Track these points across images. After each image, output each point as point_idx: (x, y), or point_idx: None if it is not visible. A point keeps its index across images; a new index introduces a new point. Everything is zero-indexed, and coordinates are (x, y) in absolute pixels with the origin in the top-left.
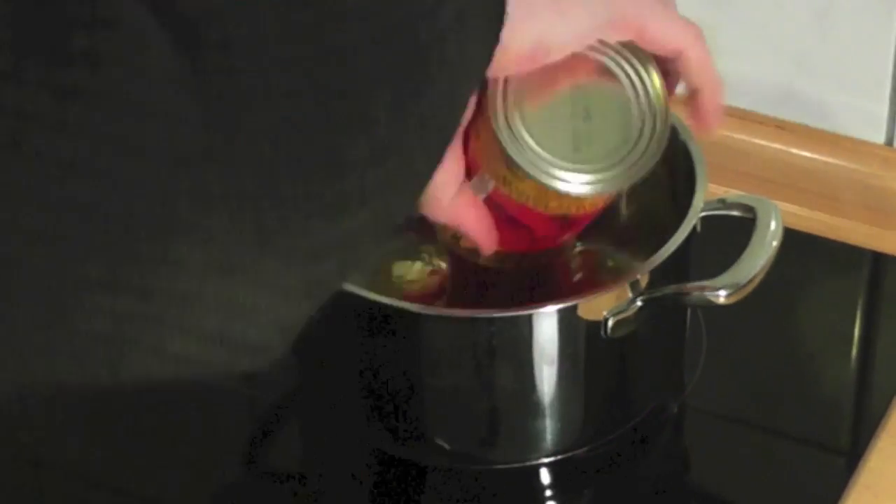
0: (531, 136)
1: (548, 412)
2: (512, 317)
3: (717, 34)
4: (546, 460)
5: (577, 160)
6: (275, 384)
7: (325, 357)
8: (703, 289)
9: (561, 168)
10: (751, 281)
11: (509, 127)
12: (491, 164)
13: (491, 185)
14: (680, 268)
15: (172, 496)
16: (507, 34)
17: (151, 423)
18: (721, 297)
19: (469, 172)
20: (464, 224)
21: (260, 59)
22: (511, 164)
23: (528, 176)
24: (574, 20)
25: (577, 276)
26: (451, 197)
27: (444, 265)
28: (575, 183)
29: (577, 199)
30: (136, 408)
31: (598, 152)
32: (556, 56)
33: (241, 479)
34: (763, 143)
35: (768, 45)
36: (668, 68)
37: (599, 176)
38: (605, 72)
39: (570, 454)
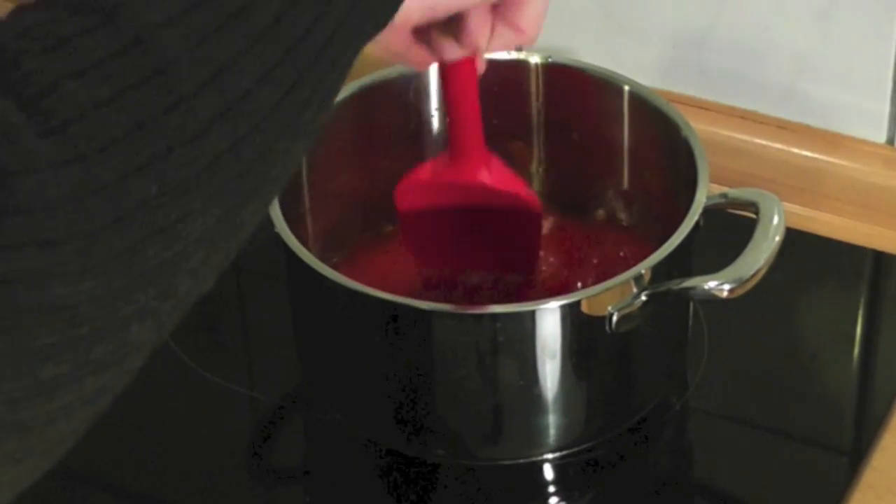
0: None
1: (552, 408)
2: (516, 313)
3: (718, 34)
4: (550, 456)
5: None
6: (276, 383)
7: (327, 355)
8: (706, 283)
9: None
10: (754, 275)
11: None
12: None
13: None
14: (684, 262)
15: (173, 496)
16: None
17: (151, 423)
18: (725, 291)
19: None
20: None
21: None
22: None
23: None
24: None
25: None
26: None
27: None
28: None
29: None
30: (135, 407)
31: None
32: None
33: (243, 479)
34: (764, 142)
35: (768, 45)
36: None
37: None
38: None
39: (573, 450)
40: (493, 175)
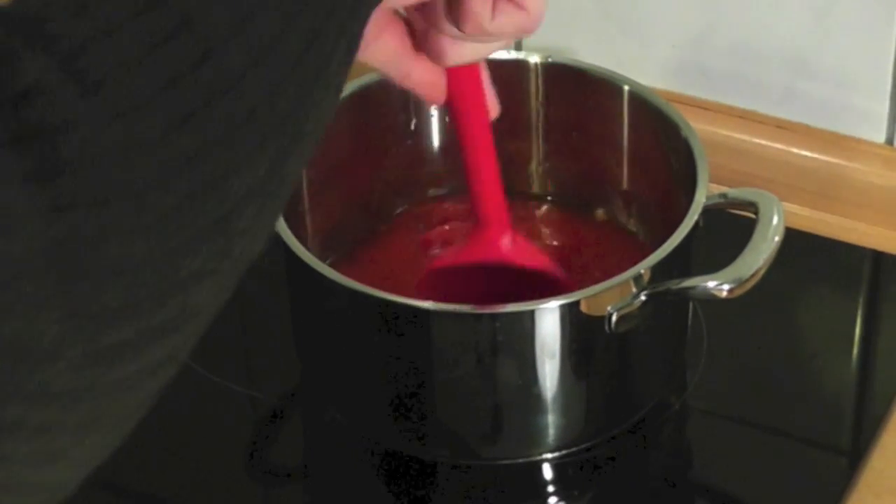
0: None
1: (551, 408)
2: (515, 312)
3: (718, 34)
4: (549, 456)
5: None
6: (276, 383)
7: (326, 355)
8: (706, 283)
9: None
10: (754, 275)
11: None
12: None
13: None
14: (683, 262)
15: (172, 496)
16: None
17: (151, 422)
18: (724, 291)
19: None
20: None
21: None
22: None
23: None
24: None
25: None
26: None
27: None
28: None
29: None
30: None
31: None
32: None
33: (242, 479)
34: (763, 142)
35: (768, 45)
36: None
37: None
38: None
39: (573, 449)
40: (517, 252)
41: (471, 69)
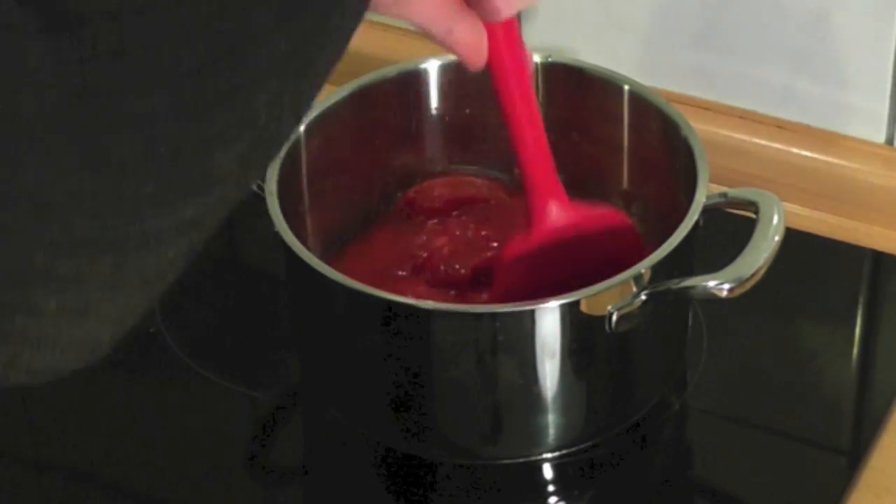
0: None
1: (551, 407)
2: (515, 312)
3: (718, 34)
4: (549, 455)
5: None
6: (276, 383)
7: (326, 354)
8: (706, 282)
9: None
10: (754, 274)
11: None
12: None
13: None
14: (683, 262)
15: (173, 496)
16: None
17: (151, 423)
18: (724, 290)
19: None
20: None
21: (154, 68)
22: None
23: None
24: None
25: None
26: None
27: None
28: None
29: None
30: (135, 407)
31: None
32: None
33: (242, 479)
34: (763, 142)
35: (768, 45)
36: None
37: None
38: None
39: (573, 449)
40: (576, 213)
41: (510, 28)
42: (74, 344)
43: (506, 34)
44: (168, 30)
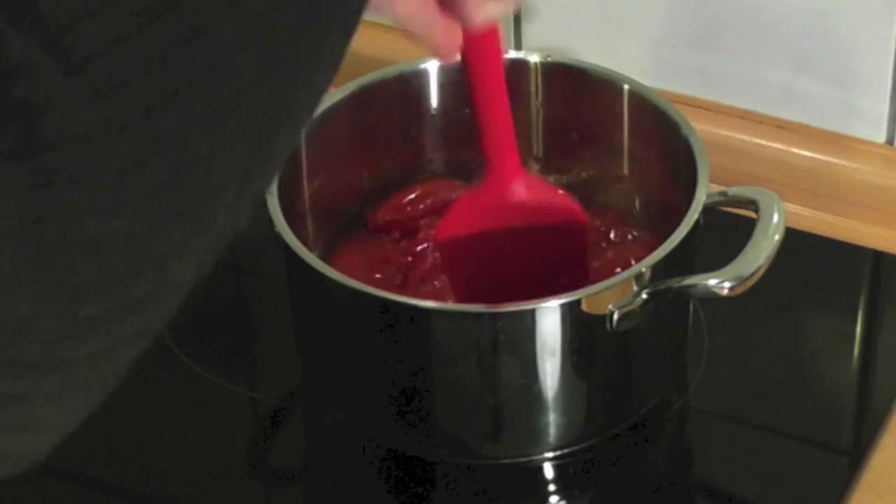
0: None
1: (552, 407)
2: (516, 311)
3: (718, 34)
4: (550, 455)
5: None
6: (276, 383)
7: (327, 354)
8: (707, 281)
9: None
10: (755, 273)
11: None
12: None
13: None
14: (684, 261)
15: (173, 496)
16: None
17: (152, 423)
18: (725, 289)
19: None
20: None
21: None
22: None
23: None
24: None
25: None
26: None
27: None
28: None
29: None
30: (135, 408)
31: None
32: None
33: (243, 479)
34: (763, 142)
35: (768, 45)
36: None
37: None
38: None
39: (573, 449)
40: (531, 190)
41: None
42: (12, 456)
43: (482, 36)
44: (130, 152)
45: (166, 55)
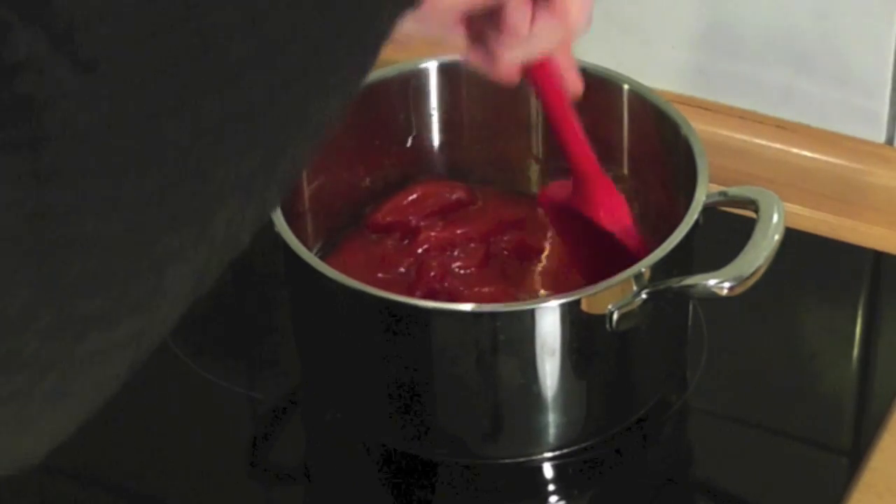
0: None
1: (551, 407)
2: (515, 311)
3: (718, 34)
4: (549, 455)
5: None
6: (276, 383)
7: (327, 354)
8: (707, 281)
9: None
10: (754, 273)
11: None
12: None
13: None
14: (684, 260)
15: (173, 496)
16: None
17: (151, 423)
18: (725, 289)
19: None
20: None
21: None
22: None
23: None
24: None
25: None
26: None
27: None
28: None
29: None
30: (135, 408)
31: None
32: None
33: (242, 479)
34: (763, 142)
35: (768, 45)
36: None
37: None
38: None
39: (573, 448)
40: (608, 214)
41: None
42: (7, 457)
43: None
44: (133, 155)
45: (178, 64)
